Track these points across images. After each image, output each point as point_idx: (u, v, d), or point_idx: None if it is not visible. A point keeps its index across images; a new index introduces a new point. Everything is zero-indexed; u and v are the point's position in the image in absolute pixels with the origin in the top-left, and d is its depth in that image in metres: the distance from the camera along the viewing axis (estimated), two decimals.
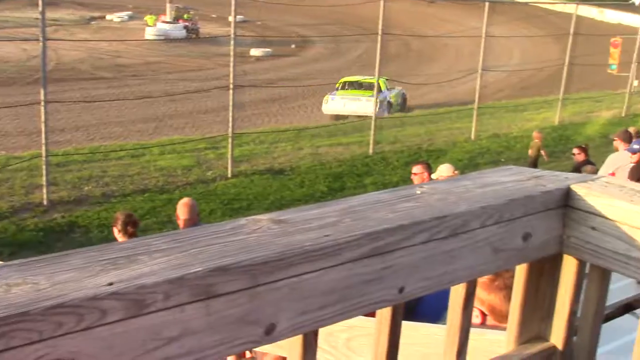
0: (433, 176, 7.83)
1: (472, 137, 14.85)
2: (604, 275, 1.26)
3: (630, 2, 20.12)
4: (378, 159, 12.71)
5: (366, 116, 16.60)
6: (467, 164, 12.57)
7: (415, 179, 7.85)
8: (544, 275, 1.30)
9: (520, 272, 1.29)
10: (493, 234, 1.13)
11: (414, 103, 24.02)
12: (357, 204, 1.05)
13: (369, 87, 19.84)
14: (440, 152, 13.40)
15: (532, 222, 1.19)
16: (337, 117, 20.13)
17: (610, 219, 1.17)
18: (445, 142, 14.39)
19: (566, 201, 1.22)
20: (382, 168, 12.23)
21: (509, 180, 1.22)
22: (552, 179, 1.24)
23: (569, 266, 1.28)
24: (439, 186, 1.17)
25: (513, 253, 1.19)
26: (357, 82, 23.03)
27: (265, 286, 0.85)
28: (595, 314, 1.28)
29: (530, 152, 12.16)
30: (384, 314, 1.08)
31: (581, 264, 1.27)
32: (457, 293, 1.21)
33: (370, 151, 13.07)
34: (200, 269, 0.79)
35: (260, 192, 11.01)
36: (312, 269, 0.90)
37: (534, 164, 11.99)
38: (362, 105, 20.05)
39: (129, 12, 57.14)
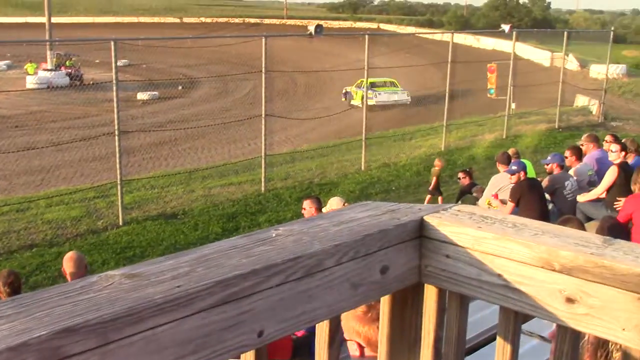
0: (324, 210, 7.91)
1: (363, 167, 15.09)
2: (462, 301, 1.31)
3: (501, 29, 21.07)
4: (271, 197, 12.74)
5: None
6: (358, 195, 12.76)
7: (305, 214, 7.93)
8: (407, 306, 1.34)
9: (384, 303, 1.34)
10: (350, 270, 1.16)
11: (305, 138, 24.27)
12: (211, 251, 1.07)
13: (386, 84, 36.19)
14: (332, 185, 13.55)
15: (388, 255, 1.23)
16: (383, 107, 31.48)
17: (461, 246, 1.23)
18: (337, 174, 14.57)
19: (421, 232, 1.27)
20: (275, 205, 12.27)
21: (364, 216, 1.26)
22: (406, 212, 1.29)
23: (430, 295, 1.33)
24: (295, 227, 1.19)
25: (373, 287, 1.22)
26: (376, 82, 33.28)
27: (117, 343, 0.85)
28: (457, 339, 1.33)
29: (431, 178, 12.44)
30: (248, 358, 1.10)
31: (441, 292, 1.32)
32: (321, 330, 1.23)
33: (263, 189, 13.09)
34: (44, 332, 0.78)
35: (153, 238, 10.83)
36: (166, 321, 0.90)
37: (437, 189, 12.29)
38: (400, 95, 34.94)
39: (7, 62, 55.51)
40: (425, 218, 1.27)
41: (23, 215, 11.62)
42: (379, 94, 34.27)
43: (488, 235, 1.19)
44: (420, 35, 57.03)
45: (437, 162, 12.85)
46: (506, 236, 1.17)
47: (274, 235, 1.15)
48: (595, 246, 1.12)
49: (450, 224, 1.24)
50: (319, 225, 1.20)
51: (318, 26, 13.92)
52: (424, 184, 13.86)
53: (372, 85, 30.86)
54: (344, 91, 37.09)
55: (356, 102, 30.95)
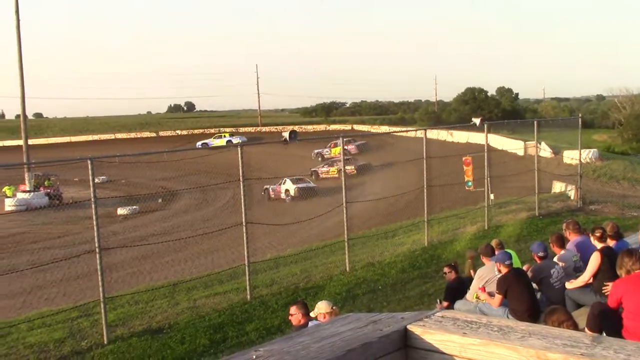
0: (312, 314, 7.83)
1: (347, 268, 15.00)
2: None
3: (472, 123, 21.46)
4: (257, 304, 12.58)
5: None
6: (345, 297, 12.63)
7: (293, 320, 7.85)
8: None
9: None
10: None
11: (287, 242, 24.21)
12: None
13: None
14: (318, 288, 13.42)
15: None
16: None
17: (447, 354, 1.20)
18: (322, 277, 14.46)
19: (405, 342, 1.24)
20: (262, 313, 12.10)
21: (346, 330, 1.24)
22: (389, 322, 1.27)
23: None
24: (275, 347, 1.16)
25: None
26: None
27: None
28: None
29: (467, 272, 11.53)
30: None
31: None
32: None
33: (248, 297, 12.94)
34: None
35: (139, 355, 10.60)
36: None
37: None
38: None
39: None
40: (409, 327, 1.25)
41: (4, 341, 11.36)
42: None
43: (474, 341, 1.17)
44: (394, 133, 57.99)
45: (469, 254, 12.11)
46: (493, 341, 1.15)
47: (254, 357, 1.13)
48: (584, 346, 1.10)
49: (435, 331, 1.22)
50: (300, 343, 1.18)
51: (292, 132, 14.15)
52: (410, 281, 13.78)
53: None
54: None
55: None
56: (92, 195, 11.29)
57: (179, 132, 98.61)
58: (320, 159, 57.82)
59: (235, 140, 70.20)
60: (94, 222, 11.20)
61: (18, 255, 26.36)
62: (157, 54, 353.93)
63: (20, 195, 43.94)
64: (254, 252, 15.18)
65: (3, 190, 47.35)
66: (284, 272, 15.28)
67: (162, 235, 27.84)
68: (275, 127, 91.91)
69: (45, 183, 46.83)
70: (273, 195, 41.60)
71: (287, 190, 39.93)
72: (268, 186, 41.41)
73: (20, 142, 52.44)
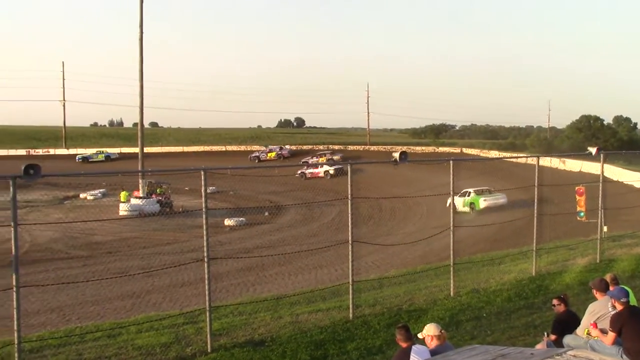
0: (419, 335, 7.80)
1: (452, 293, 14.80)
2: None
3: (588, 152, 20.71)
4: (359, 323, 12.56)
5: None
6: (448, 322, 12.45)
7: (400, 342, 7.88)
8: None
9: None
10: None
11: (390, 262, 24.12)
12: None
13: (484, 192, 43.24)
14: (421, 312, 13.29)
15: None
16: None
17: None
18: (425, 300, 14.30)
19: None
20: (364, 332, 12.07)
21: None
22: (518, 357, 1.27)
23: None
24: None
25: None
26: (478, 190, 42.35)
27: None
28: None
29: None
30: None
31: None
32: None
33: (351, 315, 12.93)
34: None
35: None
36: None
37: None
38: (501, 199, 42.09)
39: (103, 190, 57.96)
40: None
41: (114, 341, 11.76)
42: (485, 199, 42.25)
43: None
44: (505, 159, 56.97)
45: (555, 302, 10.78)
46: None
47: None
48: None
49: None
50: None
51: (403, 153, 14.03)
52: (515, 311, 13.45)
53: (478, 193, 42.01)
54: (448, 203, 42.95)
55: (463, 208, 40.29)
56: (203, 205, 11.55)
57: (288, 145, 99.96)
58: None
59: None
60: (204, 232, 11.46)
61: (129, 259, 27.34)
62: (269, 69, 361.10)
63: (133, 201, 45.59)
64: (358, 270, 15.20)
65: (119, 195, 49.30)
66: (388, 293, 15.22)
67: (267, 249, 28.29)
68: (384, 146, 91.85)
69: (158, 191, 48.41)
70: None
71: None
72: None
73: (137, 150, 54.45)
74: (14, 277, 9.78)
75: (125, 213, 42.61)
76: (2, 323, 16.45)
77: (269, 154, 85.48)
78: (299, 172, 63.27)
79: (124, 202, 46.17)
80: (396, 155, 14.03)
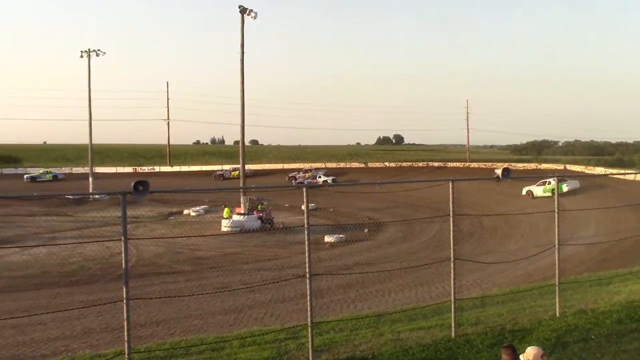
0: (521, 357, 7.60)
1: (557, 314, 14.37)
2: None
3: None
4: (461, 342, 12.33)
5: None
6: (555, 343, 12.09)
7: None
8: None
9: None
10: None
11: (492, 281, 23.68)
12: None
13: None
14: (525, 332, 12.94)
15: None
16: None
17: None
18: (530, 320, 13.92)
19: None
20: (466, 352, 11.85)
21: None
22: None
23: None
24: None
25: None
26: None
27: None
28: None
29: None
30: None
31: None
32: None
33: (453, 334, 12.73)
34: None
35: None
36: None
37: None
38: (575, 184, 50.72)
39: (205, 206, 59.29)
40: None
41: (218, 355, 11.94)
42: (566, 185, 49.98)
43: None
44: (612, 175, 55.13)
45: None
46: None
47: None
48: None
49: None
50: None
51: (505, 170, 13.75)
52: (627, 334, 12.92)
53: (559, 181, 51.28)
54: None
55: (545, 194, 50.89)
56: (305, 221, 11.63)
57: (387, 164, 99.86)
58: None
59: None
60: (306, 248, 11.52)
61: (231, 274, 27.79)
62: (367, 87, 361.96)
63: (235, 218, 46.37)
64: (459, 288, 14.95)
65: (221, 212, 50.31)
66: (490, 312, 14.90)
67: (367, 265, 28.25)
68: (484, 163, 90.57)
69: (259, 207, 49.10)
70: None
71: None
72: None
73: (238, 166, 55.47)
74: (124, 289, 10.09)
75: (227, 229, 43.41)
76: (113, 334, 17.08)
77: (233, 172, 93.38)
78: (296, 181, 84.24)
79: (226, 218, 47.05)
80: (498, 171, 13.77)
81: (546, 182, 54.63)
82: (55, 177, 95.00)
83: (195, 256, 33.21)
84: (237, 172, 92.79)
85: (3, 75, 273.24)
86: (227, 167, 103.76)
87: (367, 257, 32.26)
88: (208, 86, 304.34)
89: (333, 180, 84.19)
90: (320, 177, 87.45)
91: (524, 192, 56.68)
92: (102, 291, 23.52)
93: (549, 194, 48.90)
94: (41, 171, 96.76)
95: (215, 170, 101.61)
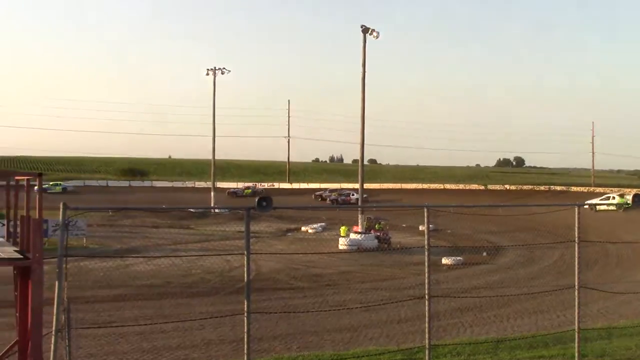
0: None
1: None
2: None
3: None
4: None
5: None
6: None
7: None
8: None
9: None
10: None
11: (618, 312, 22.71)
12: None
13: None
14: None
15: None
16: None
17: None
18: None
19: None
20: None
21: None
22: None
23: None
24: None
25: None
26: None
27: None
28: None
29: None
30: None
31: None
32: None
33: None
34: None
35: None
36: None
37: None
38: None
39: (323, 224, 59.79)
40: None
41: None
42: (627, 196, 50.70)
43: None
44: None
45: None
46: None
47: None
48: None
49: None
50: None
51: (636, 195, 13.22)
52: None
53: (620, 195, 49.36)
54: None
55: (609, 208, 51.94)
56: (426, 242, 11.59)
57: (507, 186, 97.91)
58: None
59: None
60: (426, 269, 11.46)
61: (348, 292, 27.86)
62: (487, 108, 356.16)
63: (352, 236, 46.50)
64: (583, 318, 14.42)
65: (338, 229, 50.58)
66: (617, 344, 14.31)
67: (484, 289, 27.72)
68: (610, 188, 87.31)
69: (376, 226, 49.08)
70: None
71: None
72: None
73: (356, 186, 55.72)
74: (245, 303, 10.32)
75: (344, 247, 43.60)
76: (231, 346, 17.43)
77: (246, 191, 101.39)
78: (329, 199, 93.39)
79: (343, 236, 47.26)
80: (628, 197, 13.26)
81: (609, 197, 54.07)
82: (64, 190, 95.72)
83: (312, 273, 33.50)
84: (250, 190, 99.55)
85: (132, 92, 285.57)
86: (241, 184, 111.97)
87: (485, 280, 31.65)
88: (328, 104, 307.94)
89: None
90: (353, 194, 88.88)
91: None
92: (221, 303, 24.05)
93: (613, 207, 46.95)
94: (51, 183, 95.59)
95: (230, 188, 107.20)
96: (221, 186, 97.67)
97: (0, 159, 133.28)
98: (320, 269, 34.56)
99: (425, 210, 12.23)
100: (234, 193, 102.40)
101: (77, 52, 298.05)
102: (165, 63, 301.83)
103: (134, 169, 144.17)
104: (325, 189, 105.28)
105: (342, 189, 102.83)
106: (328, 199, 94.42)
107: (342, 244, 44.47)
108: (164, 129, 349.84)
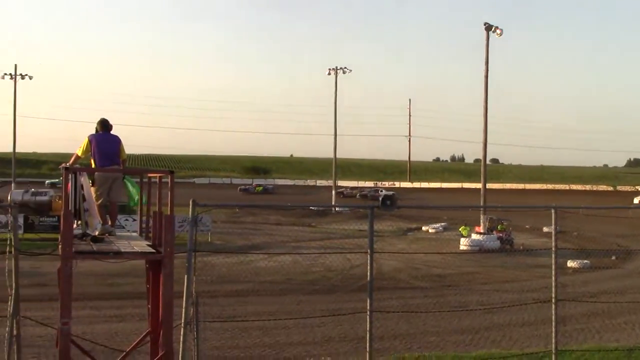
0: None
1: None
2: None
3: None
4: None
5: None
6: None
7: None
8: None
9: None
10: None
11: None
12: None
13: None
14: None
15: None
16: None
17: None
18: None
19: None
20: None
21: None
22: None
23: None
24: None
25: None
26: None
27: None
28: None
29: None
30: None
31: None
32: None
33: None
34: None
35: None
36: None
37: None
38: None
39: (444, 224, 59.25)
40: None
41: None
42: None
43: None
44: None
45: None
46: None
47: None
48: None
49: None
50: None
51: None
52: None
53: None
54: None
55: None
56: (553, 244, 11.29)
57: (638, 187, 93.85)
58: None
59: None
60: (553, 272, 11.16)
61: (469, 293, 27.46)
62: (618, 108, 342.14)
63: (474, 237, 45.81)
64: None
65: (459, 229, 49.96)
66: None
67: (614, 295, 26.62)
68: None
69: (499, 227, 48.16)
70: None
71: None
72: None
73: (478, 186, 54.88)
74: (368, 301, 10.37)
75: (465, 247, 43.03)
76: (352, 344, 17.54)
77: (257, 187, 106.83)
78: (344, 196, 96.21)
79: (464, 236, 46.65)
80: None
81: None
82: (265, 190, 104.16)
83: (433, 273, 33.22)
84: (261, 187, 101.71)
85: (255, 91, 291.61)
86: (259, 181, 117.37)
87: (614, 285, 30.41)
88: (449, 103, 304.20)
89: (392, 196, 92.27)
90: (382, 191, 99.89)
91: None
92: (342, 301, 24.21)
93: None
94: (255, 185, 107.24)
95: (241, 185, 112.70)
96: (342, 185, 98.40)
97: (137, 157, 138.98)
98: (441, 269, 34.23)
99: (553, 211, 11.92)
100: (246, 190, 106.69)
101: (207, 56, 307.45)
102: (289, 62, 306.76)
103: (257, 167, 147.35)
104: (360, 187, 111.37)
105: (376, 187, 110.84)
106: (358, 194, 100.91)
107: (464, 244, 43.91)
108: (287, 128, 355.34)
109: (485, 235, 45.59)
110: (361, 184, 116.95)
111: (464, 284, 29.98)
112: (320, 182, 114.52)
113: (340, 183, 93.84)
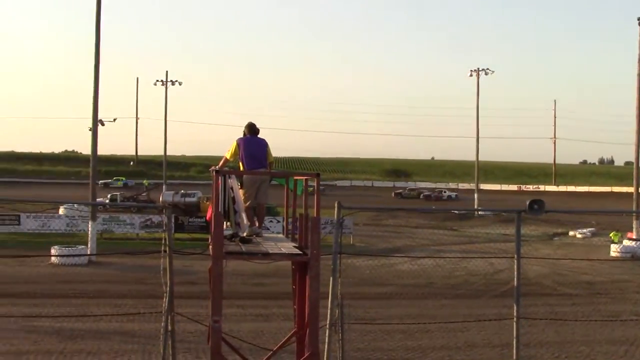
0: None
1: None
2: None
3: None
4: None
5: None
6: None
7: None
8: None
9: None
10: None
11: None
12: None
13: None
14: None
15: None
16: None
17: None
18: None
19: None
20: None
21: None
22: None
23: None
24: None
25: None
26: None
27: None
28: None
29: None
30: None
31: None
32: None
33: None
34: None
35: None
36: None
37: None
38: None
39: (592, 229, 56.94)
40: None
41: None
42: None
43: None
44: None
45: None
46: None
47: None
48: None
49: None
50: None
51: None
52: None
53: None
54: None
55: None
56: None
57: None
58: None
59: None
60: None
61: (621, 302, 26.23)
62: None
63: (626, 243, 43.71)
64: None
65: (610, 235, 47.81)
66: None
67: None
68: None
69: None
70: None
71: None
72: None
73: (630, 190, 52.39)
74: (514, 307, 10.10)
75: (615, 254, 41.14)
76: (495, 351, 17.17)
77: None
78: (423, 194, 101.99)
79: (615, 243, 44.58)
80: None
81: None
82: (125, 185, 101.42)
83: (581, 280, 31.97)
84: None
85: (396, 93, 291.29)
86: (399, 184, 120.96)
87: None
88: (596, 103, 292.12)
89: (456, 196, 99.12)
90: (445, 192, 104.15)
91: None
92: (485, 307, 23.76)
93: None
94: (114, 178, 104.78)
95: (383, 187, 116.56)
96: (485, 188, 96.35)
97: (282, 160, 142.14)
98: (590, 276, 32.88)
99: None
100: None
101: (341, 58, 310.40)
102: (429, 64, 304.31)
103: (398, 169, 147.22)
104: (420, 189, 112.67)
105: (437, 188, 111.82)
106: (421, 195, 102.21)
107: (614, 250, 41.95)
108: (428, 130, 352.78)
109: (639, 242, 43.42)
110: (504, 187, 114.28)
111: (616, 293, 28.62)
112: (462, 185, 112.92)
113: (483, 186, 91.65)
